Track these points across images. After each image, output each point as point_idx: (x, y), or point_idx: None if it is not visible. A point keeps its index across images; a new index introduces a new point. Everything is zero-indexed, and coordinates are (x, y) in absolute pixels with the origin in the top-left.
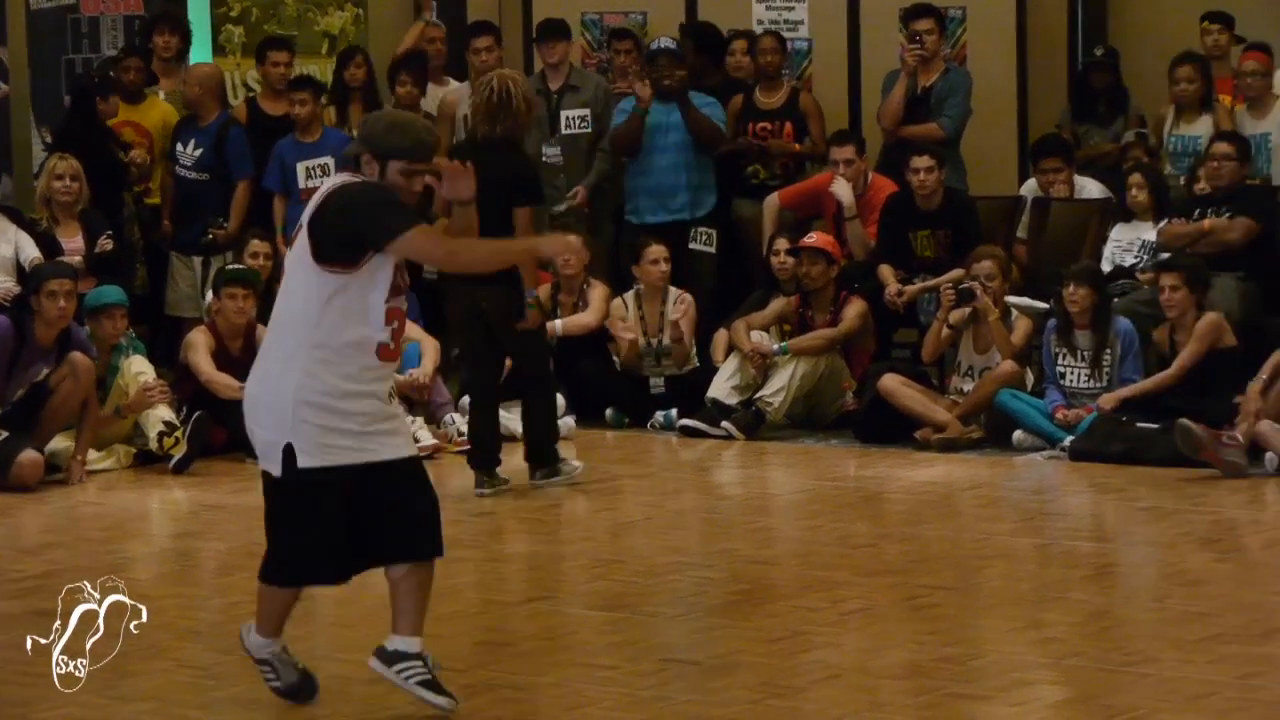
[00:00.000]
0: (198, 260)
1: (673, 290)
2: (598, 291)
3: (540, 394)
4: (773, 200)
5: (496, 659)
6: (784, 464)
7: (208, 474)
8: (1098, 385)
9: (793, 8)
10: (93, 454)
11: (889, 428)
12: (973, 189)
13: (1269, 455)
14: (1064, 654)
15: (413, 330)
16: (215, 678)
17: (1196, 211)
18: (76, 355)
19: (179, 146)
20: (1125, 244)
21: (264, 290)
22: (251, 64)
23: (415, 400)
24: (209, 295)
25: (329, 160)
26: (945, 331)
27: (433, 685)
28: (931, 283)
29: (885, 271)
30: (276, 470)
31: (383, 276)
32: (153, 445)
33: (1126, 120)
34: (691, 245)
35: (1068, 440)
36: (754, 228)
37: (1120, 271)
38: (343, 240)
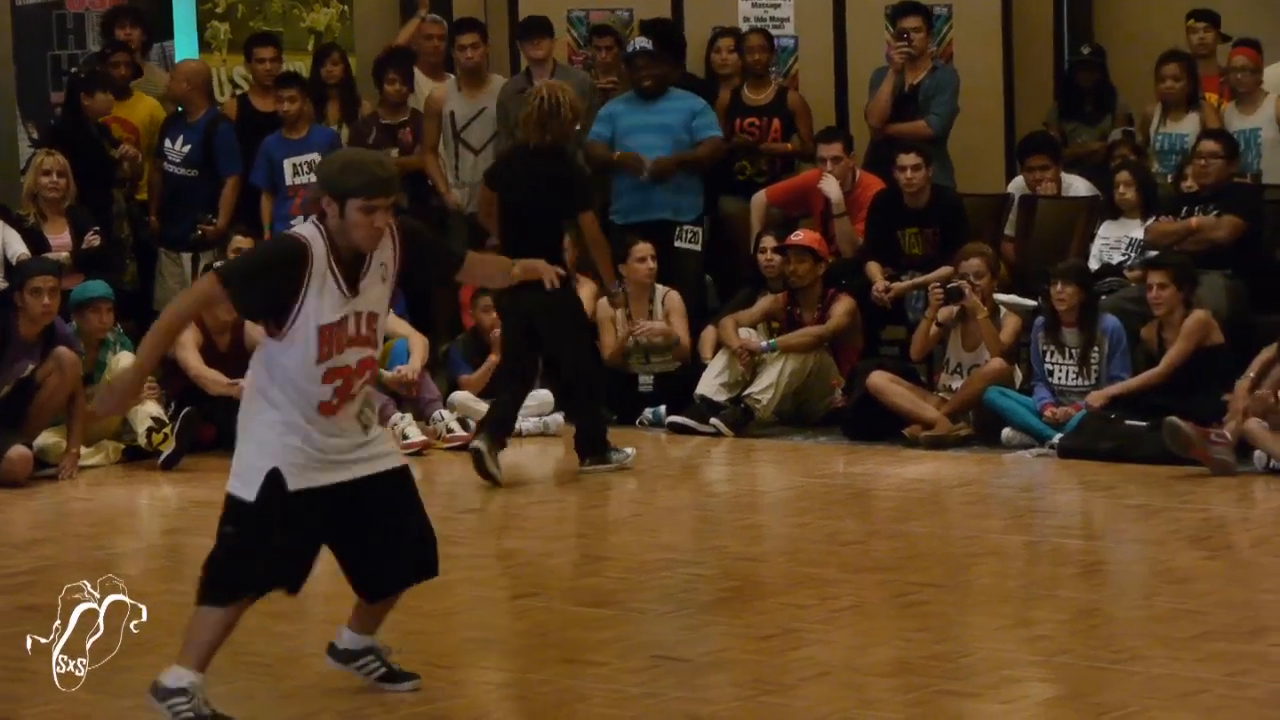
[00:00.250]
0: (186, 256)
1: (659, 288)
2: (584, 290)
3: (587, 385)
4: (760, 198)
5: (486, 656)
6: (773, 461)
7: (196, 470)
8: (1086, 383)
9: (778, 4)
10: (82, 450)
11: (878, 425)
12: (960, 187)
13: (1257, 453)
14: (1053, 651)
15: (401, 326)
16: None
17: (1184, 209)
18: (62, 350)
19: (167, 143)
20: (1113, 242)
21: None
22: (238, 60)
23: (404, 397)
24: None
25: (315, 157)
26: (934, 329)
27: (391, 677)
28: (919, 280)
29: (873, 269)
30: (251, 495)
31: (300, 338)
32: (141, 441)
33: (1113, 118)
34: (677, 244)
35: (1056, 438)
36: (741, 224)
37: (1108, 269)
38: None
